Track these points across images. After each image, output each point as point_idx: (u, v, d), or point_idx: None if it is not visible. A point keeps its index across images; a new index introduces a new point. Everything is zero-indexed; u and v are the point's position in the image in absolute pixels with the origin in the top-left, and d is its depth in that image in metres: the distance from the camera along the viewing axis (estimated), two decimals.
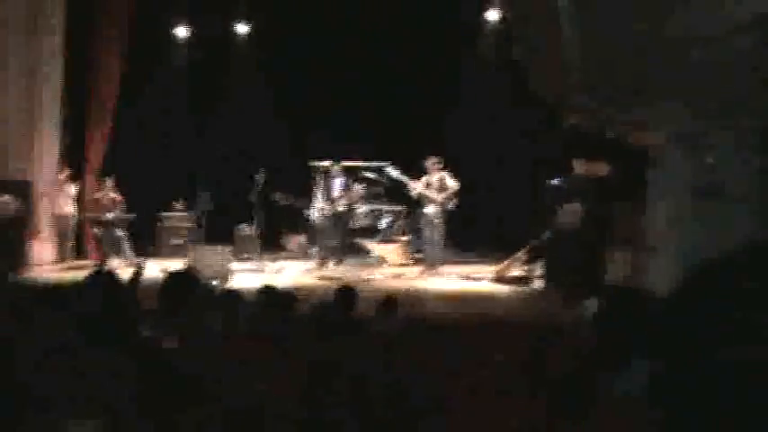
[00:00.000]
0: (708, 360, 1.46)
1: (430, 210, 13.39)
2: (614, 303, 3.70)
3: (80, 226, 15.72)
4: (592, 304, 5.87)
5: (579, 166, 12.62)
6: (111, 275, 4.85)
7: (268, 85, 17.53)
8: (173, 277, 5.58)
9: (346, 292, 7.08)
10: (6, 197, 13.52)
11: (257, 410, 3.97)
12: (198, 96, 17.56)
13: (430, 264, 13.59)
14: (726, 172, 9.74)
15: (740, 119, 9.12)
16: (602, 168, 12.23)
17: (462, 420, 3.95)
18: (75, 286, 5.71)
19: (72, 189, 15.27)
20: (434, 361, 5.03)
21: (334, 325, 5.63)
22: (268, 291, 6.48)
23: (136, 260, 13.84)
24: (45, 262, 14.80)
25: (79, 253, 15.81)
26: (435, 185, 13.37)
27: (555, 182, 12.31)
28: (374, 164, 16.38)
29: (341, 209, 14.12)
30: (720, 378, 1.44)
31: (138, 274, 7.16)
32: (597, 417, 3.22)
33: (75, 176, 15.68)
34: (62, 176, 15.09)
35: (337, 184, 14.24)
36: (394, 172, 13.73)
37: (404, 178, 13.60)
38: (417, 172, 13.66)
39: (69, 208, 15.26)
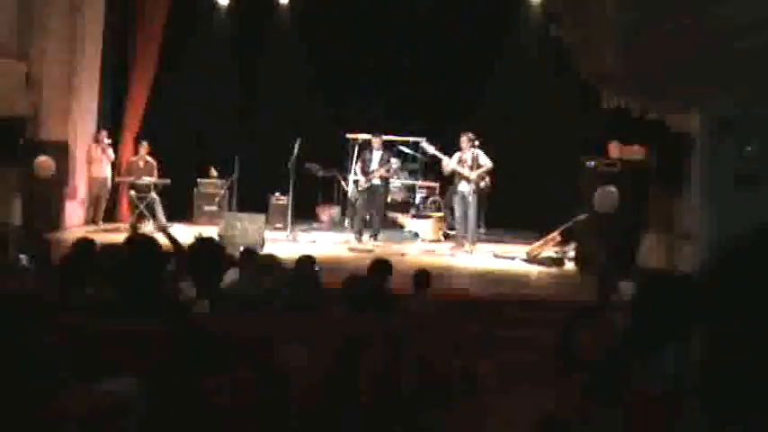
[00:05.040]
0: (742, 338, 1.47)
1: (463, 187, 13.29)
2: (649, 287, 3.69)
3: (113, 189, 15.83)
4: (627, 288, 5.87)
5: (616, 150, 12.57)
6: (149, 239, 4.89)
7: (308, 55, 17.51)
8: (199, 244, 5.63)
9: (381, 265, 7.11)
10: (45, 158, 13.66)
11: (286, 377, 4.01)
12: (237, 64, 17.57)
13: (462, 241, 13.55)
14: (765, 159, 9.67)
15: None
16: (638, 152, 12.18)
17: (491, 399, 3.97)
18: (114, 249, 5.78)
19: (110, 153, 15.39)
20: (465, 338, 5.05)
21: (366, 297, 5.66)
22: (305, 260, 6.53)
23: (169, 225, 13.96)
24: (78, 224, 14.94)
25: (110, 216, 15.93)
26: (469, 163, 13.27)
27: (591, 164, 12.25)
28: (410, 138, 16.36)
29: (376, 182, 14.08)
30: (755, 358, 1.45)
31: (172, 237, 7.17)
32: (629, 399, 3.23)
33: (113, 140, 15.76)
34: (102, 140, 15.19)
35: (374, 157, 14.19)
36: (429, 147, 13.64)
37: (438, 154, 13.52)
38: (453, 148, 13.56)
39: (105, 171, 15.37)
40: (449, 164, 13.34)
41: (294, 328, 4.60)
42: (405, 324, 5.22)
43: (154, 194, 14.75)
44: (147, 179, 14.83)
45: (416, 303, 6.76)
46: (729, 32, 8.57)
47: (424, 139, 14.40)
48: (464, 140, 13.33)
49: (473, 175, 13.16)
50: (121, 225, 15.17)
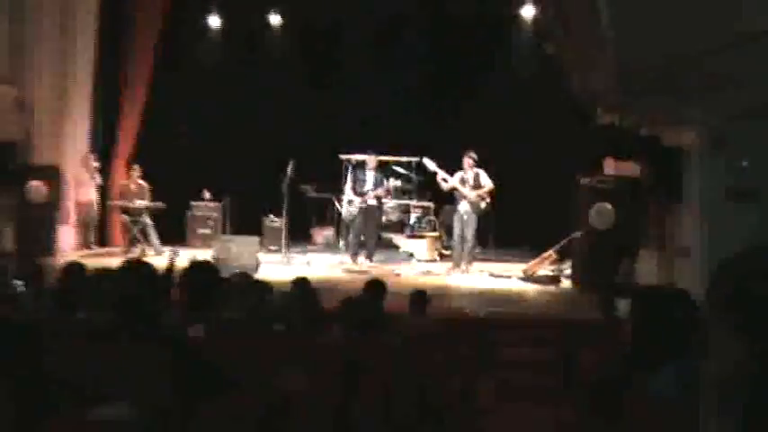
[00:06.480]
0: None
1: (462, 206, 13.29)
2: (646, 304, 3.70)
3: (104, 213, 15.81)
4: (623, 305, 5.87)
5: (611, 166, 12.60)
6: (145, 264, 4.88)
7: (301, 76, 17.57)
8: (194, 268, 5.62)
9: (375, 286, 7.10)
10: (37, 182, 13.66)
11: (284, 401, 4.01)
12: (230, 86, 17.59)
13: (458, 261, 13.54)
14: (760, 174, 9.71)
15: None
16: (633, 168, 12.20)
17: (491, 418, 3.97)
18: (109, 274, 5.77)
19: (98, 177, 15.38)
20: (463, 358, 5.05)
21: (364, 319, 5.66)
22: (300, 283, 6.52)
23: (163, 249, 13.98)
24: (71, 248, 14.89)
25: (102, 240, 15.90)
26: (470, 183, 13.26)
27: (587, 181, 12.27)
28: (410, 159, 16.37)
29: (372, 202, 14.09)
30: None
31: (173, 263, 7.22)
32: (629, 418, 3.23)
33: (104, 163, 15.77)
34: (93, 164, 15.19)
35: (368, 177, 14.20)
36: (430, 164, 13.52)
37: (439, 171, 13.44)
38: (445, 168, 13.54)
39: (92, 195, 15.35)
40: (449, 180, 13.31)
41: (292, 351, 4.59)
42: (402, 345, 5.22)
43: (147, 218, 14.74)
44: (139, 202, 14.81)
45: (413, 324, 6.76)
46: (722, 45, 8.62)
47: (426, 157, 14.25)
48: (466, 160, 13.32)
49: (472, 194, 13.15)
50: (114, 249, 15.15)
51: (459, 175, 13.33)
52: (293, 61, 17.69)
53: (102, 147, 16.05)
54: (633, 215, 11.76)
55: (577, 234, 12.29)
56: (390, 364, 4.50)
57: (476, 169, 13.31)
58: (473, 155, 13.31)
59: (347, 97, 17.08)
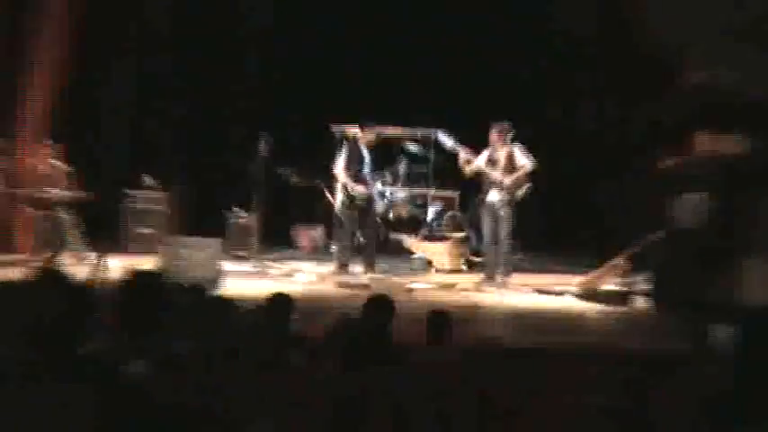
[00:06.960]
0: None
1: (493, 196, 13.26)
2: (757, 331, 3.71)
3: (5, 206, 15.76)
4: (723, 332, 5.89)
5: (704, 143, 12.59)
6: (62, 276, 4.90)
7: (280, 22, 17.58)
8: (134, 282, 5.63)
9: (379, 305, 7.10)
10: None
11: None
12: (186, 35, 17.56)
13: (492, 270, 13.55)
14: None
15: None
16: (735, 145, 12.19)
17: None
18: (8, 289, 5.78)
19: None
20: (499, 403, 5.07)
21: (363, 350, 5.68)
22: (277, 300, 6.54)
23: (87, 254, 13.92)
24: None
25: (2, 243, 15.84)
26: (502, 163, 13.21)
27: (668, 163, 12.29)
28: (420, 131, 16.37)
29: (374, 191, 14.09)
30: None
31: (96, 273, 7.24)
32: None
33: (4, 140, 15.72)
34: None
35: (368, 157, 14.17)
36: (447, 140, 13.49)
37: (459, 148, 13.39)
38: (473, 146, 13.51)
39: None
40: (474, 162, 13.26)
41: (263, 392, 4.62)
42: (416, 385, 5.24)
43: (64, 213, 14.63)
44: (54, 191, 14.68)
45: (432, 357, 6.78)
46: None
47: (440, 130, 14.22)
48: (495, 134, 13.26)
49: (507, 180, 13.12)
50: (17, 256, 15.09)
51: (486, 153, 13.27)
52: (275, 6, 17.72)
53: (2, 119, 15.96)
54: (735, 209, 11.77)
55: (656, 235, 12.30)
56: (399, 410, 4.54)
57: (509, 146, 13.23)
58: (504, 126, 13.23)
59: (345, 49, 17.11)
